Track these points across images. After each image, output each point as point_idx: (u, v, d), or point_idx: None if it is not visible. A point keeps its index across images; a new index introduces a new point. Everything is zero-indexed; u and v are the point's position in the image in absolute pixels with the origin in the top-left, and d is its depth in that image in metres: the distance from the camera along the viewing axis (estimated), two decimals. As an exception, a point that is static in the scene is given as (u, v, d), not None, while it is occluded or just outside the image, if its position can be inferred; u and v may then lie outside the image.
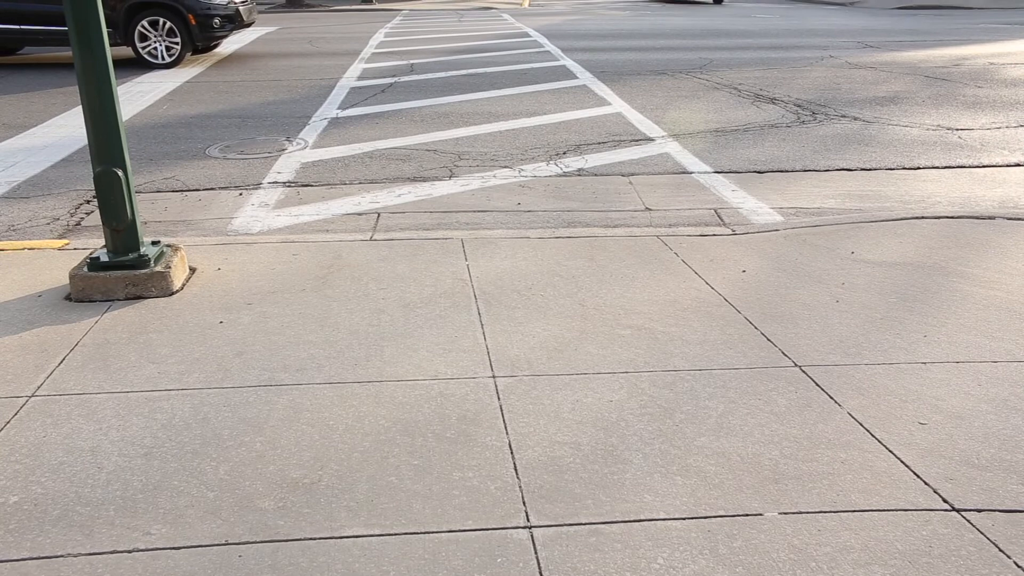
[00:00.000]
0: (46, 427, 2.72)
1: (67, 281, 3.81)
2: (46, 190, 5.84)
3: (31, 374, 3.06)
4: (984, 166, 6.40)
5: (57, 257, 4.25)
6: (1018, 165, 6.43)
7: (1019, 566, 2.09)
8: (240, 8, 12.43)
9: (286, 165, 6.47)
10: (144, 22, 11.60)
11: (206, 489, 2.40)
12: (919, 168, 6.36)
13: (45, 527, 2.24)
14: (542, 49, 13.98)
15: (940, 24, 18.99)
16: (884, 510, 2.30)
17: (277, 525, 2.25)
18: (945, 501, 2.34)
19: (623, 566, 2.10)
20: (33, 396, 2.91)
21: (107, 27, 3.61)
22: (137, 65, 11.70)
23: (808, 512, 2.30)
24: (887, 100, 9.10)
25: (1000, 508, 2.31)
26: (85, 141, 6.09)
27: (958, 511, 2.30)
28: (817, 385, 2.98)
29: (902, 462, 2.52)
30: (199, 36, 11.92)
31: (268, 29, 18.41)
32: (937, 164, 6.46)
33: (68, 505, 2.33)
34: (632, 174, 6.18)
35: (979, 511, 2.29)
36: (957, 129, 7.66)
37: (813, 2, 29.97)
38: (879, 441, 2.63)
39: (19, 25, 11.44)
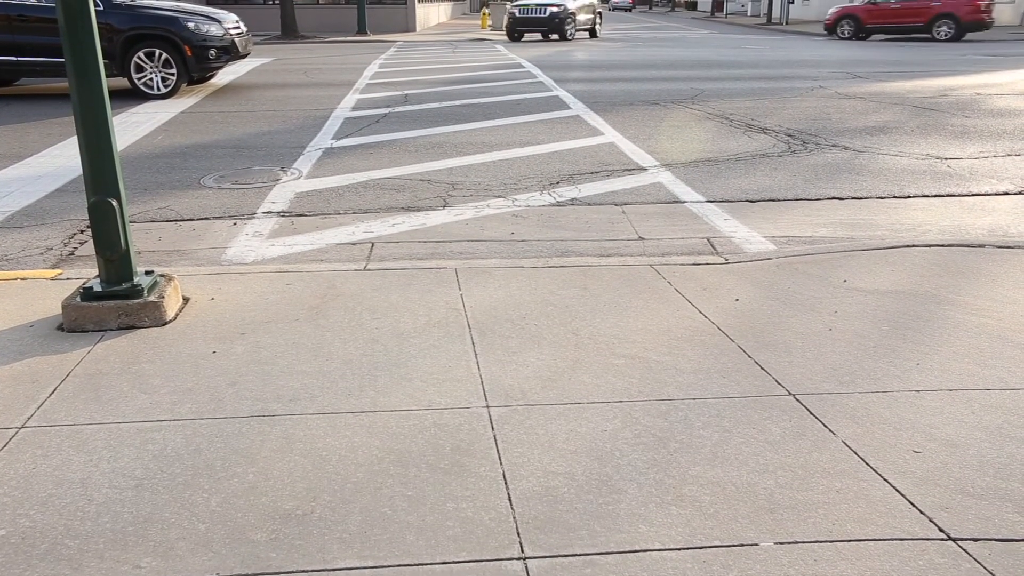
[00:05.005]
0: (36, 459, 2.69)
1: (60, 311, 3.80)
2: (40, 220, 5.84)
3: (22, 405, 3.04)
4: (973, 195, 6.47)
5: (50, 287, 4.24)
6: (1007, 194, 6.49)
7: (1016, 596, 2.07)
8: (236, 39, 12.55)
9: (280, 195, 6.49)
10: (140, 53, 11.69)
11: (197, 521, 2.38)
12: (909, 197, 6.42)
13: (32, 561, 2.21)
14: (535, 80, 14.13)
15: (926, 56, 19.28)
16: (880, 539, 2.29)
17: (269, 557, 2.22)
18: (941, 530, 2.33)
19: (618, 598, 2.07)
20: (23, 427, 2.88)
21: (104, 58, 3.64)
22: (133, 96, 11.77)
23: (804, 542, 2.28)
24: (877, 130, 9.20)
25: (996, 537, 2.30)
26: (80, 171, 6.10)
27: (954, 540, 2.29)
28: (811, 414, 2.98)
29: (897, 491, 2.51)
30: (195, 67, 12.02)
31: (263, 60, 18.57)
32: (927, 193, 6.52)
33: (57, 538, 2.30)
34: (625, 203, 6.22)
35: (975, 540, 2.28)
36: (946, 158, 7.74)
37: (802, 33, 30.42)
38: (874, 470, 2.63)
39: (16, 57, 11.52)
